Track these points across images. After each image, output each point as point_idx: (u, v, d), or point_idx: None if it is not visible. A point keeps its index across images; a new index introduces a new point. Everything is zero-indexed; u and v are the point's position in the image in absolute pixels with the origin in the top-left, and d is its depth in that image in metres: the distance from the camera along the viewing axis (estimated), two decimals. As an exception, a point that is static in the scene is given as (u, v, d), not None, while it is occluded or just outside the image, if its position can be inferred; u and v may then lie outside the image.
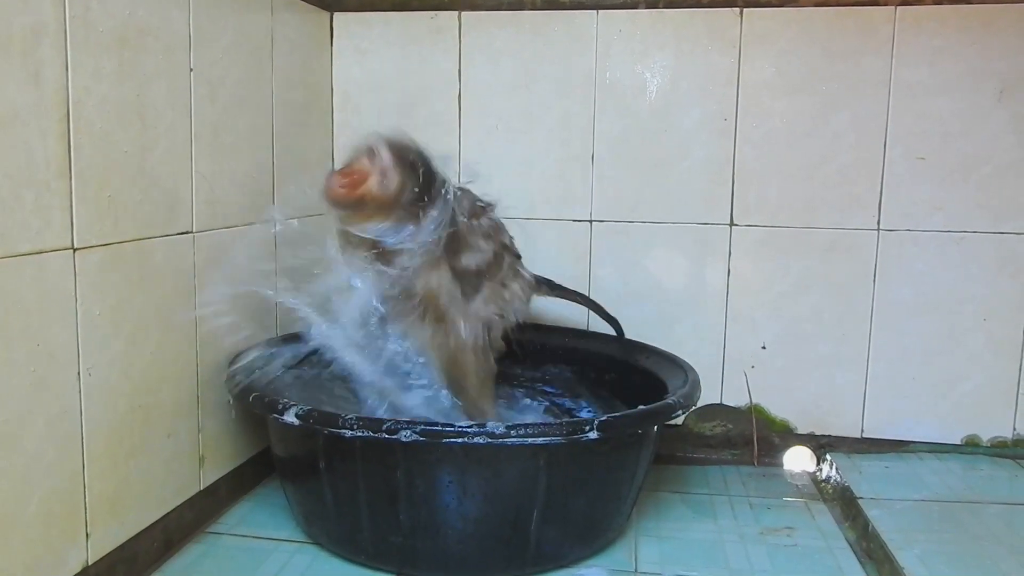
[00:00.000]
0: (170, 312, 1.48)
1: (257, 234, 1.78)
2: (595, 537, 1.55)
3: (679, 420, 1.90)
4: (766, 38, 1.96)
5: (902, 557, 1.49)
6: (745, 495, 1.85)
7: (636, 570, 1.51)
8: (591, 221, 2.08)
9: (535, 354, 1.98)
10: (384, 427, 1.34)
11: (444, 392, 1.69)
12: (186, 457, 1.57)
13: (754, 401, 2.06)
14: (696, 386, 1.61)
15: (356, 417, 1.35)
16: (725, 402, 2.07)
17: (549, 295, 1.88)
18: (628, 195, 2.06)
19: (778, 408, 2.07)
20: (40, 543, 1.20)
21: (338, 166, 1.51)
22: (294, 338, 1.72)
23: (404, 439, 1.31)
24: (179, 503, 1.55)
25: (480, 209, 1.66)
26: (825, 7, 1.94)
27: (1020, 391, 1.98)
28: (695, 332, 2.06)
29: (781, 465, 2.04)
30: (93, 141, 1.26)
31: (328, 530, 1.53)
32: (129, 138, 1.35)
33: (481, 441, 1.33)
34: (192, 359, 1.56)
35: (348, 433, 1.35)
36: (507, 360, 1.77)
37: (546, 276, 2.05)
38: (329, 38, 2.12)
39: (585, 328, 2.09)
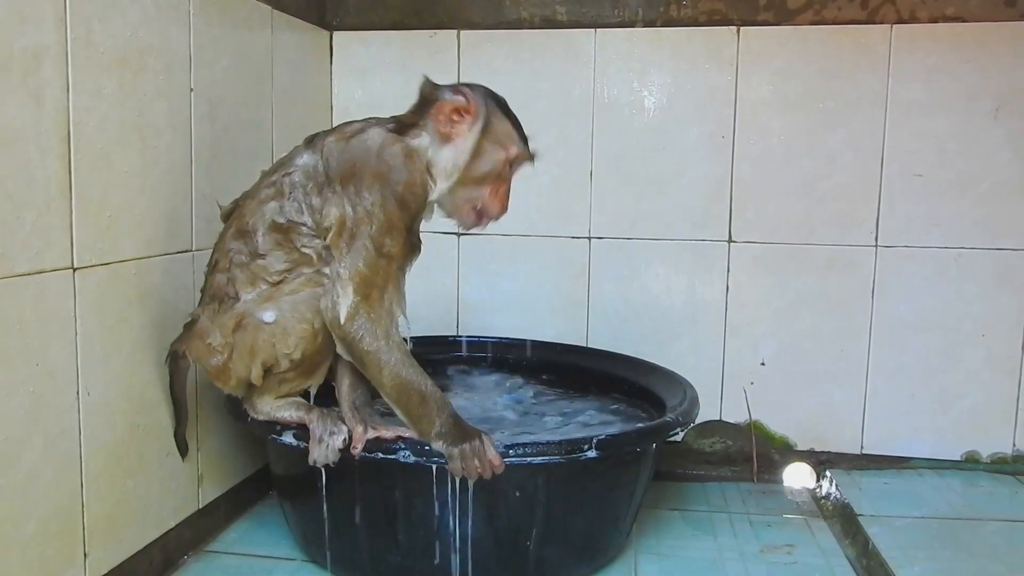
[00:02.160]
0: (169, 331, 1.48)
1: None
2: (595, 555, 1.54)
3: (678, 437, 1.90)
4: (763, 56, 1.98)
5: (903, 575, 1.48)
6: (745, 512, 1.85)
7: (636, 589, 1.51)
8: (590, 238, 2.08)
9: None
10: (382, 447, 1.34)
11: None
12: (185, 476, 1.56)
13: (753, 417, 2.06)
14: (695, 403, 1.61)
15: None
16: (724, 419, 2.07)
17: None
18: (627, 212, 2.06)
19: (777, 424, 2.06)
20: (38, 563, 1.20)
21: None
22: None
23: (403, 459, 1.31)
24: (178, 522, 1.54)
25: None
26: (821, 25, 1.95)
27: (1020, 407, 1.98)
28: (694, 348, 2.06)
29: (781, 482, 2.03)
30: (93, 161, 1.27)
31: (326, 549, 1.52)
32: (129, 158, 1.36)
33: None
34: (191, 377, 1.56)
35: (346, 454, 1.35)
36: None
37: (541, 293, 2.07)
38: (329, 57, 2.14)
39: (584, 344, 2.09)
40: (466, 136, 1.32)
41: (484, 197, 1.36)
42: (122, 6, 1.32)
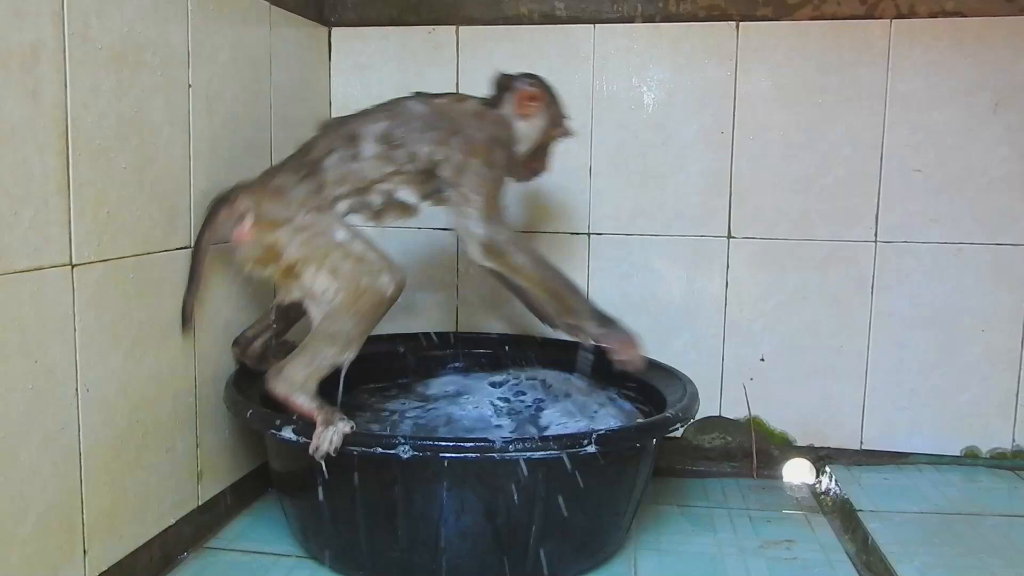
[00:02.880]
0: (168, 327, 1.48)
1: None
2: (594, 551, 1.54)
3: (678, 433, 1.90)
4: (762, 52, 1.97)
5: (902, 570, 1.48)
6: (744, 508, 1.85)
7: (635, 584, 1.51)
8: (589, 234, 2.08)
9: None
10: (381, 442, 1.34)
11: None
12: (184, 472, 1.56)
13: (753, 413, 2.06)
14: (694, 399, 1.60)
15: (353, 432, 1.35)
16: (724, 414, 2.07)
17: None
18: (626, 208, 2.06)
19: (777, 420, 2.07)
20: (37, 560, 1.20)
21: None
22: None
23: (402, 455, 1.31)
24: (177, 518, 1.54)
25: None
26: (820, 20, 1.95)
27: (1019, 402, 1.98)
28: (693, 344, 2.06)
29: (780, 477, 2.04)
30: (91, 157, 1.27)
31: (326, 545, 1.53)
32: (127, 154, 1.35)
33: (479, 456, 1.33)
34: (190, 374, 1.56)
35: (345, 448, 1.34)
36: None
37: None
38: (327, 53, 2.13)
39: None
40: (536, 117, 1.63)
41: (537, 160, 1.69)
42: (119, 1, 1.32)
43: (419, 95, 1.59)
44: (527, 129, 1.63)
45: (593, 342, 1.58)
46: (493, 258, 1.47)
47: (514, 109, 1.62)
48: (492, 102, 1.63)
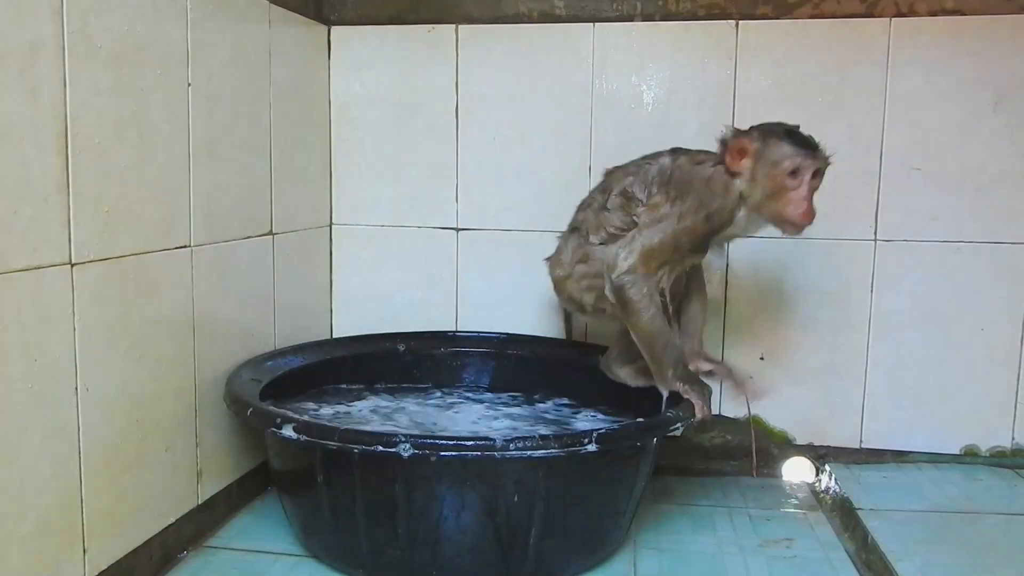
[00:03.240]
0: (168, 326, 1.48)
1: (255, 247, 1.78)
2: (594, 550, 1.54)
3: (678, 432, 1.90)
4: (762, 50, 1.97)
5: (902, 568, 1.48)
6: (744, 506, 1.85)
7: (635, 583, 1.51)
8: (589, 232, 2.08)
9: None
10: (382, 441, 1.34)
11: None
12: (184, 471, 1.56)
13: (752, 412, 2.06)
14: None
15: (354, 431, 1.36)
16: (724, 413, 2.07)
17: None
18: (625, 206, 2.06)
19: (776, 419, 2.07)
20: (37, 559, 1.20)
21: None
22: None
23: (403, 453, 1.31)
24: (177, 517, 1.54)
25: None
26: (820, 19, 1.94)
27: (1018, 400, 1.98)
28: (693, 343, 2.06)
29: (780, 476, 2.04)
30: (91, 156, 1.26)
31: (326, 543, 1.53)
32: (127, 153, 1.35)
33: (479, 454, 1.33)
34: (190, 373, 1.56)
35: (346, 447, 1.34)
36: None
37: (540, 288, 2.05)
38: (327, 52, 2.13)
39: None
40: (745, 169, 1.52)
41: (785, 208, 1.50)
42: (119, 0, 1.32)
43: (675, 150, 1.63)
44: (742, 186, 1.53)
45: (668, 392, 1.58)
46: (616, 299, 1.56)
47: (727, 167, 1.54)
48: (721, 160, 1.56)
